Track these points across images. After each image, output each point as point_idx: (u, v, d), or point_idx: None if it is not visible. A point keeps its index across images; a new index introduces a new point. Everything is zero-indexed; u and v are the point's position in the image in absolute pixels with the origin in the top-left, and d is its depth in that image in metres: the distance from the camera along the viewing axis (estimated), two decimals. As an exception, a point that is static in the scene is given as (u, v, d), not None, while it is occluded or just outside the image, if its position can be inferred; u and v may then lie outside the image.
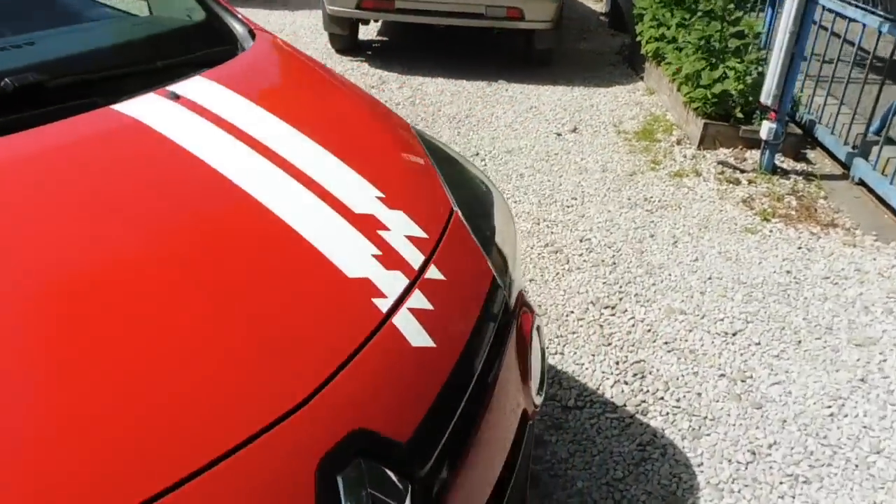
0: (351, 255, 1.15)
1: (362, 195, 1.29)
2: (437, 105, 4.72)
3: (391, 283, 1.15)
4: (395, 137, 1.58)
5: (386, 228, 1.25)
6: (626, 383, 2.35)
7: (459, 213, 1.42)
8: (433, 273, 1.23)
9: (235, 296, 1.01)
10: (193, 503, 0.78)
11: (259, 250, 1.11)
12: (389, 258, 1.19)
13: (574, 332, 2.59)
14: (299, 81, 1.68)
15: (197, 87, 1.40)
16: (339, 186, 1.28)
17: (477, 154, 4.03)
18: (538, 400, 1.45)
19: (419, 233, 1.29)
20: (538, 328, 1.51)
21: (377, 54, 5.70)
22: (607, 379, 2.37)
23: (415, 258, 1.23)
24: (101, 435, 0.79)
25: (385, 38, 6.21)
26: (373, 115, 1.66)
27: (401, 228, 1.27)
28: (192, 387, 0.88)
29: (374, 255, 1.18)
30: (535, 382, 1.45)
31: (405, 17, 5.23)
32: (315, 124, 1.45)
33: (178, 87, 1.37)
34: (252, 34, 1.73)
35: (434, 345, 1.13)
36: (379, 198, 1.31)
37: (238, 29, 1.74)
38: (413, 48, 5.88)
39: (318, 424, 0.92)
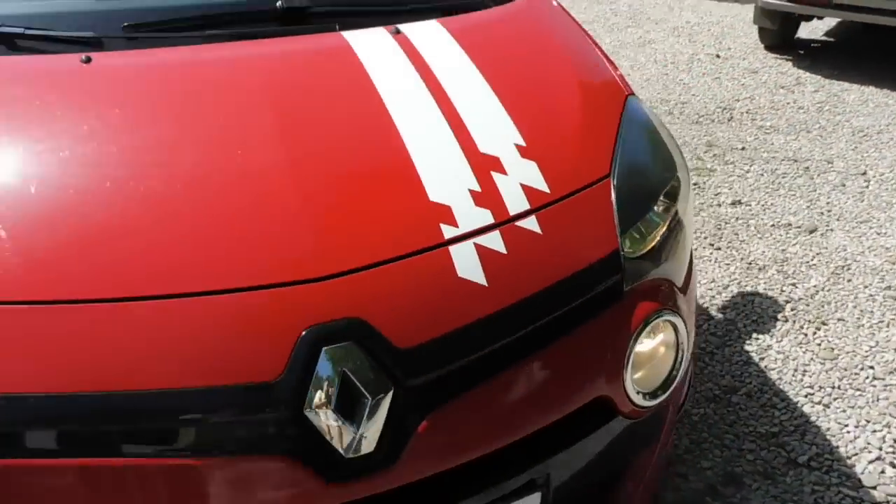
0: (444, 183, 1.24)
1: (499, 139, 1.35)
2: (847, 116, 4.09)
3: (472, 217, 1.21)
4: (589, 102, 1.54)
5: (503, 172, 1.29)
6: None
7: (613, 183, 1.36)
8: (529, 223, 1.24)
9: (324, 180, 1.21)
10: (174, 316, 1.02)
11: (366, 158, 1.28)
12: (486, 197, 1.24)
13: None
14: (526, 38, 1.74)
15: (423, 28, 1.59)
16: (480, 127, 1.36)
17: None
18: (641, 400, 1.32)
19: (540, 185, 1.30)
20: (676, 330, 1.36)
21: (811, 54, 5.12)
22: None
23: (517, 205, 1.25)
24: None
25: (829, 39, 5.53)
26: (585, 79, 1.63)
27: (520, 176, 1.29)
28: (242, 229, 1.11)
29: (471, 190, 1.25)
30: (638, 379, 1.33)
31: (844, 14, 4.59)
32: (507, 75, 1.52)
33: (407, 26, 1.58)
34: None
35: (486, 284, 1.16)
36: (517, 145, 1.35)
37: None
38: (858, 52, 5.13)
39: (324, 301, 1.07)
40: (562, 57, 1.68)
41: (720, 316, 2.49)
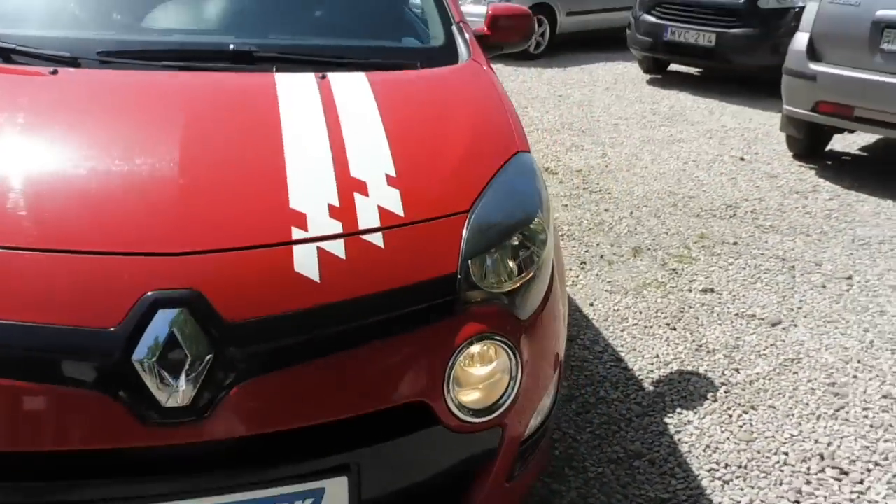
0: (307, 196, 1.45)
1: (372, 168, 1.55)
2: (853, 224, 4.10)
3: (322, 226, 1.41)
4: (474, 151, 1.72)
5: (365, 195, 1.49)
6: None
7: (469, 218, 1.52)
8: (374, 238, 1.43)
9: (204, 179, 1.46)
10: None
11: (246, 167, 1.51)
12: (341, 212, 1.44)
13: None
14: (438, 94, 1.96)
15: (347, 76, 1.85)
16: (359, 157, 1.57)
17: None
18: (464, 415, 1.44)
19: (396, 209, 1.48)
20: (510, 358, 1.48)
21: (837, 165, 5.16)
22: None
23: (367, 222, 1.44)
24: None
25: (863, 154, 5.54)
26: (479, 134, 1.81)
27: (379, 200, 1.49)
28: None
29: (330, 205, 1.45)
30: (472, 400, 1.45)
31: (865, 127, 4.65)
32: (404, 121, 1.75)
33: (334, 74, 1.84)
34: (468, 58, 2.11)
35: (318, 280, 1.34)
36: (388, 175, 1.55)
37: (461, 51, 2.13)
38: (888, 167, 5.13)
39: (170, 272, 1.28)
40: (465, 113, 1.88)
41: (650, 388, 2.55)
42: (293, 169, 1.51)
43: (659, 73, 8.00)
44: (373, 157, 1.59)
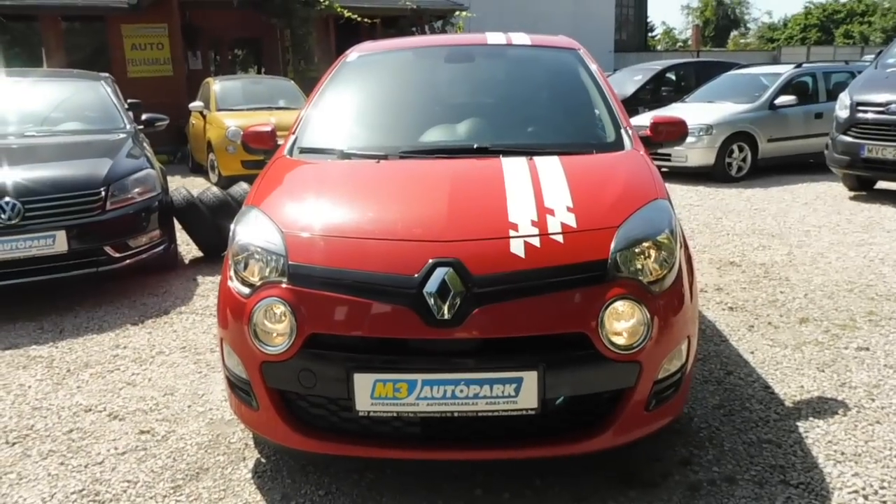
0: (518, 214, 2.54)
1: (558, 201, 2.60)
2: None
3: (527, 229, 2.47)
4: (626, 196, 2.70)
5: (553, 215, 2.53)
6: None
7: (617, 231, 2.47)
8: (557, 238, 2.45)
9: (461, 205, 2.61)
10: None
11: (484, 200, 2.65)
12: (538, 224, 2.49)
13: None
14: (607, 167, 3.00)
15: (547, 158, 2.95)
16: (550, 195, 2.63)
17: None
18: (612, 347, 2.31)
19: (572, 224, 2.50)
20: (646, 314, 2.34)
21: None
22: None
23: (554, 229, 2.47)
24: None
25: None
26: (631, 189, 2.78)
27: (562, 218, 2.52)
28: None
29: (531, 219, 2.51)
30: (620, 342, 2.33)
31: None
32: (582, 181, 2.79)
33: (538, 158, 2.95)
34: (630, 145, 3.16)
35: (523, 257, 2.38)
36: (567, 206, 2.57)
37: (626, 143, 3.19)
38: None
39: (445, 250, 2.38)
40: (622, 175, 2.92)
41: (790, 405, 3.14)
42: (511, 202, 2.61)
43: (864, 191, 8.23)
44: (559, 197, 2.63)
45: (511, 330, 2.32)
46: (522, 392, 2.27)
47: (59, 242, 4.65)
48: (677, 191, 8.71)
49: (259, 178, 3.10)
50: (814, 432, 2.90)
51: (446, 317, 2.27)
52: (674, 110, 10.06)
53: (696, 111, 9.82)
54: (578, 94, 3.62)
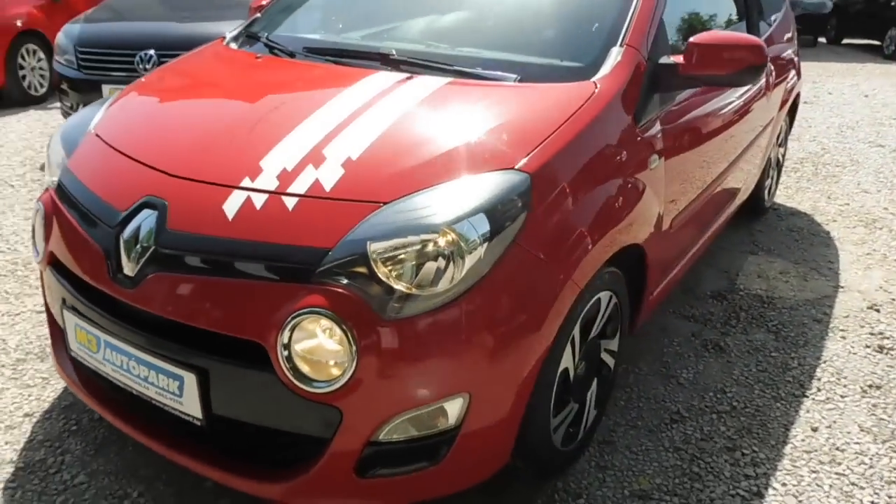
0: (278, 157, 1.81)
1: (343, 149, 1.81)
2: None
3: (264, 181, 1.75)
4: (447, 161, 1.79)
5: (316, 167, 1.77)
6: None
7: (381, 209, 1.65)
8: (289, 202, 1.71)
9: (245, 130, 1.95)
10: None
11: (276, 124, 1.96)
12: (286, 176, 1.75)
13: None
14: (490, 104, 2.00)
15: (429, 80, 2.10)
16: (347, 137, 1.85)
17: None
18: (291, 375, 1.58)
19: (326, 185, 1.71)
20: (350, 344, 1.54)
21: None
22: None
23: (296, 188, 1.72)
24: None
25: None
26: (473, 146, 1.83)
27: (322, 174, 1.75)
28: None
29: (284, 168, 1.78)
30: (296, 355, 1.57)
31: None
32: (424, 118, 1.94)
33: (422, 77, 2.10)
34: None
35: (230, 219, 1.69)
36: (349, 157, 1.79)
37: (602, 68, 2.11)
38: None
39: (163, 186, 1.79)
40: (477, 125, 1.89)
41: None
42: (292, 136, 1.87)
43: None
44: (353, 142, 1.81)
45: (177, 312, 1.67)
46: (186, 394, 1.69)
47: None
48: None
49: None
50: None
51: (126, 272, 1.73)
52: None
53: None
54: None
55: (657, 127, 2.22)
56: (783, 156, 4.41)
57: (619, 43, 2.18)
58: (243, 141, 1.91)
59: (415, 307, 1.56)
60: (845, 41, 14.22)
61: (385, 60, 2.26)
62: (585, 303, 1.91)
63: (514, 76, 2.09)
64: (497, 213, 1.64)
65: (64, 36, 5.03)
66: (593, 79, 2.07)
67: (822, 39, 14.32)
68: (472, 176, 1.71)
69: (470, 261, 1.59)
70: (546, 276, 1.71)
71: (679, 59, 2.21)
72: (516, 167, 1.74)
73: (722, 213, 3.25)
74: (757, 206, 4.12)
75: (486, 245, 1.61)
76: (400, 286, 1.55)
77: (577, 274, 1.77)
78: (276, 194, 1.70)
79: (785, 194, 4.65)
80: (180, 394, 1.69)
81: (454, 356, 1.61)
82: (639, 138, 2.12)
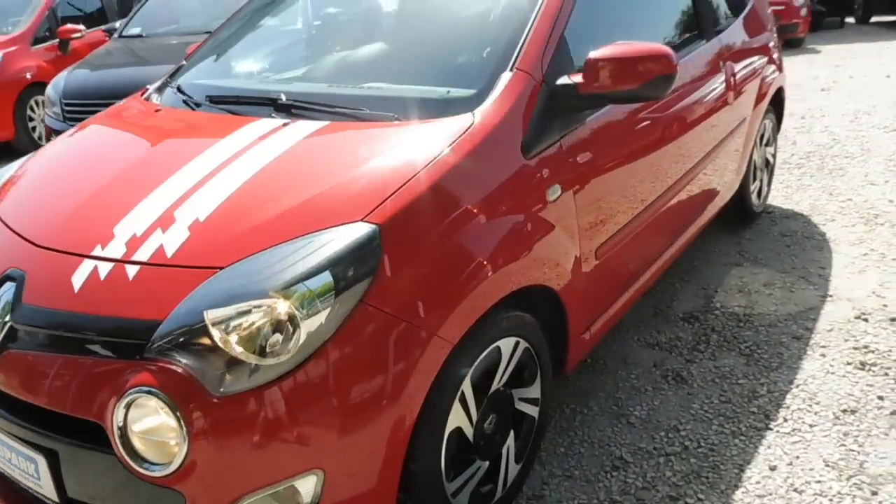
0: (131, 222, 1.72)
1: (195, 209, 1.71)
2: None
3: (113, 249, 1.66)
4: (300, 217, 1.66)
5: (163, 231, 1.68)
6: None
7: (216, 280, 1.54)
8: (131, 270, 1.62)
9: (107, 190, 1.90)
10: None
11: (143, 183, 1.86)
12: (134, 243, 1.67)
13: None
14: (358, 150, 1.88)
15: (304, 125, 1.98)
16: (202, 195, 1.75)
17: None
18: (128, 456, 1.48)
19: (169, 251, 1.62)
20: (180, 425, 1.44)
21: None
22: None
23: (140, 255, 1.63)
24: None
25: None
26: (331, 199, 1.69)
27: (167, 239, 1.66)
28: None
29: (134, 234, 1.69)
30: (133, 435, 1.48)
31: None
32: (287, 170, 1.82)
33: (300, 122, 1.99)
34: None
35: (75, 291, 1.61)
36: (197, 219, 1.69)
37: (482, 106, 1.93)
38: None
39: (27, 256, 1.74)
40: (339, 178, 1.75)
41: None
42: (151, 197, 1.77)
43: None
44: (206, 201, 1.71)
45: (28, 391, 1.60)
46: (42, 477, 1.62)
47: None
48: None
49: None
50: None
51: None
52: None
53: None
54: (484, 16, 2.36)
55: (557, 155, 2.01)
56: (773, 156, 4.12)
57: (509, 67, 2.01)
58: (106, 204, 1.83)
59: (251, 380, 1.45)
60: (874, 19, 13.65)
61: (277, 106, 2.13)
62: (471, 356, 1.73)
63: (392, 115, 1.96)
64: (339, 271, 1.51)
65: (51, 89, 5.11)
66: (476, 110, 1.91)
67: (851, 20, 13.79)
68: (318, 233, 1.58)
69: (309, 326, 1.46)
70: (403, 336, 1.55)
71: (579, 77, 2.02)
72: (364, 219, 1.60)
73: (691, 224, 3.02)
74: (745, 212, 3.86)
75: (328, 309, 1.48)
76: (237, 356, 1.44)
77: (444, 329, 1.60)
78: (120, 262, 1.62)
79: (783, 194, 4.37)
80: (38, 476, 1.63)
81: (295, 432, 1.47)
82: (528, 171, 1.92)
